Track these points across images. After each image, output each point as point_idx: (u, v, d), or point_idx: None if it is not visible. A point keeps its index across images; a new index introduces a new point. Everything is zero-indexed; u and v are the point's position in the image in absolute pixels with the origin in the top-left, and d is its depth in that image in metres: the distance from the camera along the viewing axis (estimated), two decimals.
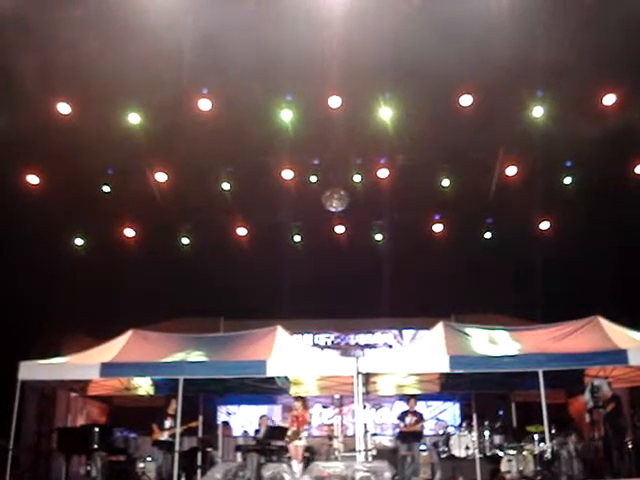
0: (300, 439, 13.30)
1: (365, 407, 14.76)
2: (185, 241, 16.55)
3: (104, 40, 10.42)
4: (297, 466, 12.78)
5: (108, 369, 13.02)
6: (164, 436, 13.50)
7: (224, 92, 11.87)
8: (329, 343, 22.15)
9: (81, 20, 10.03)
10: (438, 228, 16.29)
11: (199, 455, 14.39)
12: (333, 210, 15.25)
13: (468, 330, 13.74)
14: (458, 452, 14.27)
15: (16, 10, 9.89)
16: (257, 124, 12.57)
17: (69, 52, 10.60)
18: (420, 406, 15.90)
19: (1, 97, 11.64)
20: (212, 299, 17.93)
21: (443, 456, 14.31)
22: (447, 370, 12.60)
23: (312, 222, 16.19)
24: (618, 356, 12.15)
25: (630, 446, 12.67)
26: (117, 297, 16.87)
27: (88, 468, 13.35)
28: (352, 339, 22.22)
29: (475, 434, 14.42)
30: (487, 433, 14.27)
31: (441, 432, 15.66)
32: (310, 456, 13.70)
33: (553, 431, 12.67)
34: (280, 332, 13.80)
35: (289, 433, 13.34)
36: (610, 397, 12.57)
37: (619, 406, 12.69)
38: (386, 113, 12.39)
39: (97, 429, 13.92)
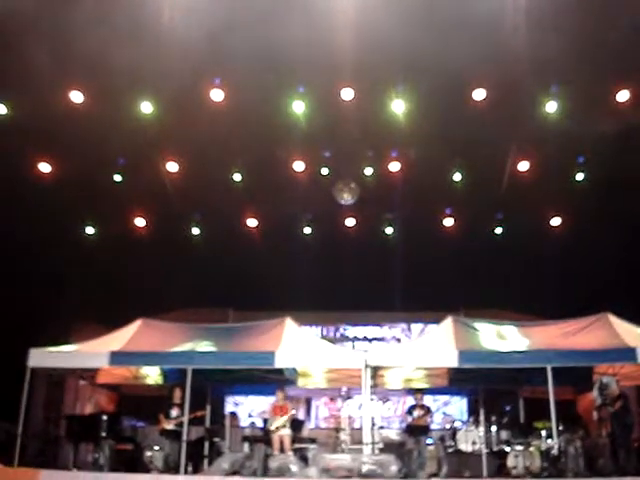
0: (286, 428, 13.35)
1: (372, 400, 14.75)
2: (195, 231, 16.57)
3: (118, 31, 10.43)
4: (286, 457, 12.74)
5: (117, 358, 13.11)
6: (171, 425, 13.55)
7: (236, 83, 11.85)
8: (338, 335, 22.22)
9: (96, 12, 10.06)
10: (449, 222, 16.24)
11: (206, 445, 14.43)
12: (344, 202, 15.22)
13: (477, 325, 13.74)
14: (465, 447, 14.22)
15: (33, 1, 9.92)
16: (269, 116, 12.56)
17: (83, 43, 10.63)
18: (427, 400, 15.89)
19: (15, 86, 11.69)
20: (221, 290, 17.97)
21: (450, 450, 14.26)
22: (456, 365, 12.62)
23: (323, 214, 16.16)
24: (627, 354, 12.14)
25: (637, 444, 12.62)
26: (127, 286, 16.93)
27: (96, 456, 13.39)
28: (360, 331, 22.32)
29: (482, 429, 14.39)
30: (494, 428, 14.23)
31: (448, 426, 15.63)
32: (301, 446, 13.75)
33: (560, 428, 12.64)
34: (289, 323, 13.85)
35: (275, 424, 13.37)
36: (617, 395, 12.53)
37: (626, 404, 12.65)
38: (398, 106, 12.34)
39: (105, 417, 13.93)
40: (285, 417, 13.44)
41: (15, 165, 13.37)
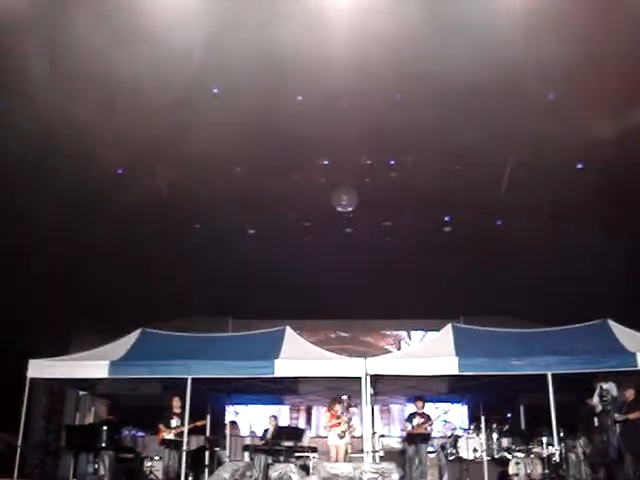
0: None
1: (373, 408, 14.73)
2: (194, 240, 16.53)
3: (114, 41, 10.42)
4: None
5: (117, 368, 13.10)
6: (171, 435, 13.52)
7: (233, 92, 11.85)
8: (338, 344, 22.16)
9: (91, 21, 10.05)
10: (447, 229, 16.23)
11: (207, 454, 14.40)
12: (342, 210, 15.20)
13: (477, 332, 13.71)
14: (466, 454, 14.22)
15: (27, 12, 9.92)
16: (266, 124, 12.55)
17: (79, 52, 10.63)
18: (428, 408, 15.87)
19: (12, 96, 11.69)
20: (220, 299, 17.94)
21: (451, 458, 14.27)
22: (456, 372, 12.59)
23: (321, 222, 16.15)
24: (627, 359, 12.12)
25: None
26: (126, 296, 16.90)
27: (96, 466, 13.38)
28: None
29: (483, 436, 14.38)
30: (495, 435, 14.22)
31: (449, 434, 15.61)
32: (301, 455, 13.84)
33: (561, 434, 12.61)
34: (289, 332, 13.83)
35: (339, 432, 13.64)
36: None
37: None
38: (395, 114, 12.34)
39: (105, 427, 13.92)
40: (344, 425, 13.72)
41: (13, 175, 13.35)
